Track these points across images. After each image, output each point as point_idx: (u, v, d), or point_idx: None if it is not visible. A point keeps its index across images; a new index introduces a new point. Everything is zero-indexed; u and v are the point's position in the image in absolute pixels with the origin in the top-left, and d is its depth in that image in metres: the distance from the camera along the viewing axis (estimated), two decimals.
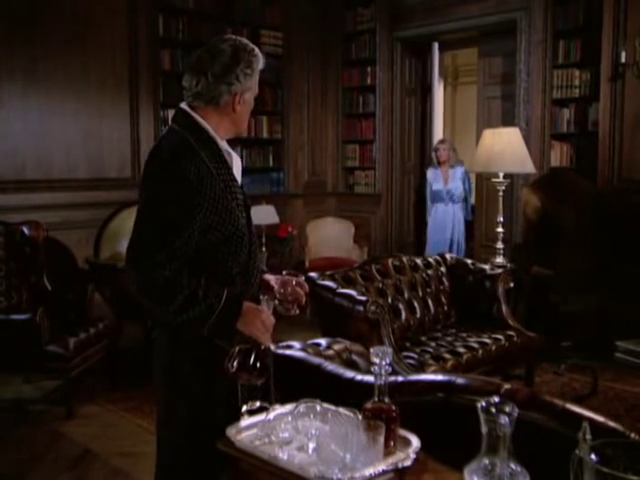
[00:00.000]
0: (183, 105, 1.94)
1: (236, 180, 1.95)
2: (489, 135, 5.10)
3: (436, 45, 7.30)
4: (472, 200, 6.90)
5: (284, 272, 2.07)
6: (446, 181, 6.64)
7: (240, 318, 1.81)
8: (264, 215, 6.34)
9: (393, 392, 1.59)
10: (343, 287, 3.94)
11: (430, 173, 6.81)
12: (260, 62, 1.93)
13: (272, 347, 1.86)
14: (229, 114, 1.92)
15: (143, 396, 4.24)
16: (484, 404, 1.22)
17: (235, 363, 1.78)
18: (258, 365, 1.79)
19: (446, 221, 6.60)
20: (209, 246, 1.84)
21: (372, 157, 7.31)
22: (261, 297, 1.90)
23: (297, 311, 1.97)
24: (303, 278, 2.02)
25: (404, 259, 4.54)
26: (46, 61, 5.37)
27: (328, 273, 4.12)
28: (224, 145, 1.94)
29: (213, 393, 1.88)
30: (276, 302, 1.93)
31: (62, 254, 4.95)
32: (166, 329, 1.89)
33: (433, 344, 4.01)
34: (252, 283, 1.96)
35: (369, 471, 1.40)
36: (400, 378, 2.01)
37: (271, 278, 2.03)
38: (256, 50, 1.93)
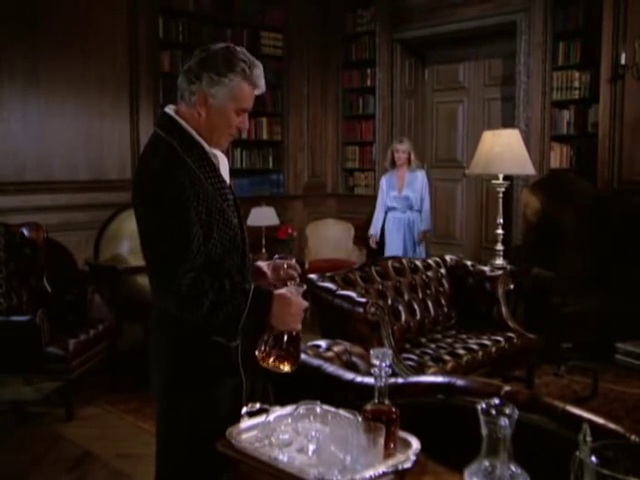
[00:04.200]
0: (168, 109, 1.93)
1: (224, 181, 1.93)
2: (489, 137, 5.10)
3: None
4: (428, 209, 6.21)
5: (275, 257, 2.08)
6: (401, 188, 6.14)
7: (270, 315, 1.79)
8: (264, 217, 6.34)
9: (393, 394, 1.59)
10: (343, 289, 3.94)
11: (384, 179, 6.30)
12: (234, 84, 1.83)
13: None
14: (200, 117, 1.87)
15: (143, 398, 4.24)
16: (484, 406, 1.22)
17: (267, 348, 1.79)
18: (292, 350, 1.80)
19: (400, 228, 6.15)
20: (209, 250, 1.84)
21: (372, 158, 7.31)
22: (288, 284, 1.88)
23: None
24: (294, 260, 2.02)
25: (404, 261, 4.54)
26: (46, 63, 5.37)
27: (328, 275, 4.13)
28: (209, 147, 1.92)
29: (216, 394, 1.88)
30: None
31: (62, 255, 4.95)
32: (168, 331, 1.89)
33: (433, 346, 4.01)
34: (247, 280, 1.96)
35: (369, 473, 1.40)
36: (400, 380, 2.01)
37: (263, 264, 2.04)
38: (239, 69, 1.84)
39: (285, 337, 1.80)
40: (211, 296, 1.74)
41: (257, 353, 1.79)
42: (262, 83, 1.90)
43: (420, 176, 6.16)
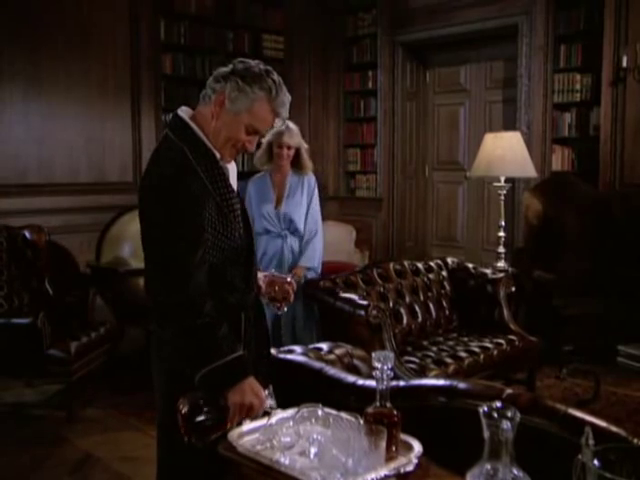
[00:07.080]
0: (180, 112, 1.92)
1: (233, 191, 1.94)
2: (490, 139, 5.10)
3: None
4: (319, 234, 4.12)
5: (272, 271, 2.08)
6: (280, 200, 4.05)
7: (236, 385, 1.74)
8: None
9: (395, 397, 1.58)
10: (344, 291, 3.93)
11: (252, 184, 4.10)
12: (256, 98, 1.84)
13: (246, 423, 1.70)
14: (212, 118, 1.87)
15: (144, 400, 4.21)
16: (486, 409, 1.21)
17: (185, 409, 1.67)
18: (205, 425, 1.67)
19: (274, 262, 3.96)
20: (212, 261, 1.84)
21: (373, 161, 7.30)
22: (266, 391, 1.77)
23: (285, 308, 1.99)
24: (290, 277, 2.03)
25: (405, 263, 4.53)
26: (48, 65, 5.38)
27: (329, 277, 4.13)
28: (220, 156, 1.92)
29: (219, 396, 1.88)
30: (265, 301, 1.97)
31: (64, 258, 4.96)
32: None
33: (434, 348, 4.00)
34: (252, 287, 1.98)
35: (371, 476, 1.40)
36: (402, 383, 2.01)
37: (260, 277, 2.03)
38: (266, 86, 1.84)
39: (225, 413, 1.70)
40: (206, 320, 1.71)
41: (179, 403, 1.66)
42: (284, 113, 1.90)
43: (311, 183, 4.15)
